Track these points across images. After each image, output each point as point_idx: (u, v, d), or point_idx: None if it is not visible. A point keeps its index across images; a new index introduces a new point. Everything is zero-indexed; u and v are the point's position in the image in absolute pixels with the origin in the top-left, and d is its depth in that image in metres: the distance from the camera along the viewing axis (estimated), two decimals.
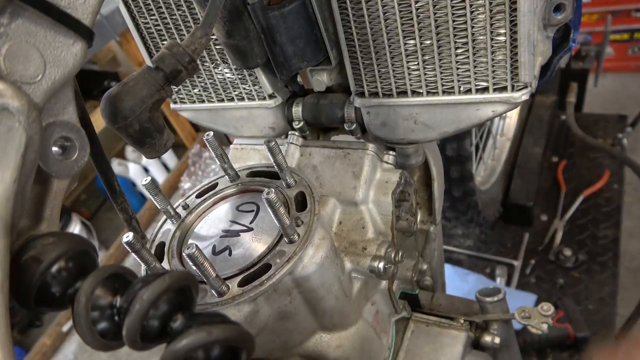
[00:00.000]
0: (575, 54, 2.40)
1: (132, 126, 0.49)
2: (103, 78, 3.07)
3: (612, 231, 1.94)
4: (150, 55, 0.80)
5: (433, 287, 0.93)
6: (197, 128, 3.51)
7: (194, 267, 0.50)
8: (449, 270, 1.96)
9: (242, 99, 0.80)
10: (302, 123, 0.78)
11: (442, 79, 0.64)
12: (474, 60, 0.61)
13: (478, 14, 0.57)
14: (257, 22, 0.62)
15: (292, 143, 0.76)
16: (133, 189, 3.31)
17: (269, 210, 0.53)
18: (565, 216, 2.03)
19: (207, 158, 3.40)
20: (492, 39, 0.58)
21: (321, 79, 0.74)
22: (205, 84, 0.81)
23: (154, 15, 0.74)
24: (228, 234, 0.62)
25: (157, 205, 0.65)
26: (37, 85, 0.39)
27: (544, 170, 2.21)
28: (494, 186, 1.98)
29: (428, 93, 0.66)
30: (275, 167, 0.63)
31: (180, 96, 0.85)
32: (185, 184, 3.31)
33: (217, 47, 0.75)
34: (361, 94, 0.71)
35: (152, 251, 0.63)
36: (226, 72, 0.78)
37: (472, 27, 0.58)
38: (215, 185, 0.70)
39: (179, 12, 0.72)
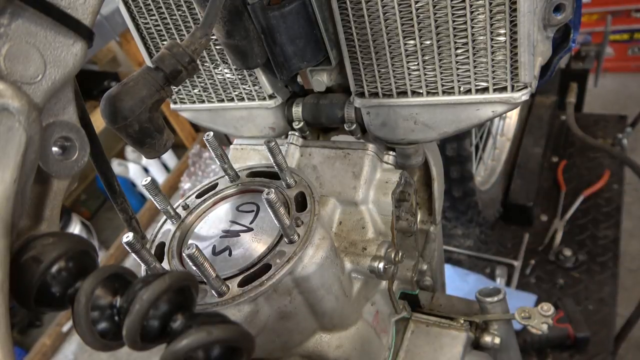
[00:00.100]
0: (575, 54, 2.40)
1: (132, 126, 0.49)
2: (103, 78, 3.07)
3: (612, 231, 1.94)
4: (150, 55, 0.80)
5: (433, 287, 0.93)
6: (197, 128, 3.51)
7: (194, 268, 0.50)
8: (449, 270, 1.96)
9: (242, 99, 0.80)
10: (302, 123, 0.78)
11: (442, 79, 0.64)
12: (474, 61, 0.61)
13: (478, 14, 0.57)
14: (257, 22, 0.62)
15: (292, 143, 0.76)
16: (133, 189, 3.31)
17: (269, 210, 0.53)
18: (565, 216, 2.03)
19: (207, 158, 3.40)
20: (492, 39, 0.58)
21: (321, 79, 0.74)
22: (205, 84, 0.81)
23: (154, 15, 0.74)
24: (228, 234, 0.62)
25: (157, 205, 0.65)
26: (37, 85, 0.39)
27: (544, 171, 2.21)
28: (494, 186, 1.98)
29: (428, 93, 0.66)
30: (275, 167, 0.63)
31: (180, 96, 0.85)
32: (185, 184, 3.31)
33: (217, 47, 0.75)
34: (361, 94, 0.71)
35: (152, 251, 0.63)
36: (226, 73, 0.78)
37: (472, 28, 0.58)
38: (215, 185, 0.70)
39: (179, 12, 0.72)
